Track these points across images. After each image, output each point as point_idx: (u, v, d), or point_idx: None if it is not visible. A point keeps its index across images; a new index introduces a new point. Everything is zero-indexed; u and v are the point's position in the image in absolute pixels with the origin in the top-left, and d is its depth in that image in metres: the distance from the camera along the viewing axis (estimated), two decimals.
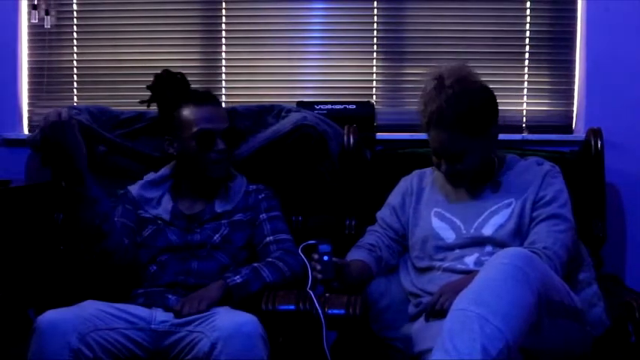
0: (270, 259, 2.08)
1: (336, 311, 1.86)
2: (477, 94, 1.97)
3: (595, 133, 2.37)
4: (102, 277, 2.11)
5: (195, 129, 2.09)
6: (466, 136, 1.93)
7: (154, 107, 2.30)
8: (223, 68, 2.90)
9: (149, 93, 2.27)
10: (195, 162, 2.12)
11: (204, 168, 2.11)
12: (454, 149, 1.95)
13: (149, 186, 2.20)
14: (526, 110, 2.82)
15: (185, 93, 2.19)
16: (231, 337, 1.76)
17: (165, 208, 2.15)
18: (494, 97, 2.02)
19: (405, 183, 2.19)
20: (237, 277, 1.99)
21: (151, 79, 2.25)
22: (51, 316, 1.80)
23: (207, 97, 2.17)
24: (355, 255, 2.09)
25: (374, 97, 2.87)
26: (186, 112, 2.11)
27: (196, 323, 1.87)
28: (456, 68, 1.98)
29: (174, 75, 2.25)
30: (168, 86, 2.23)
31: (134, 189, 2.20)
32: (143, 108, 2.61)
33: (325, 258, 1.90)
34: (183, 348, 1.87)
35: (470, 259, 1.96)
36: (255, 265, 2.05)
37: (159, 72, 2.27)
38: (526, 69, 2.83)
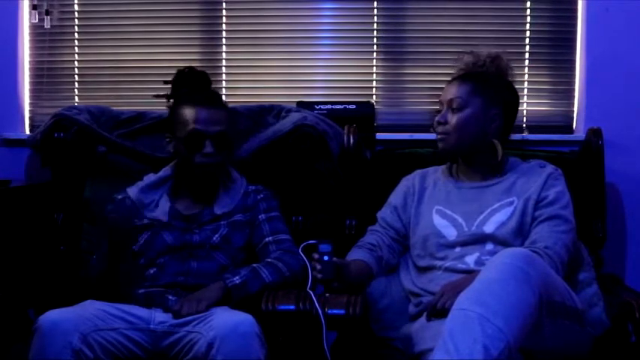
0: (269, 260, 2.08)
1: (336, 311, 1.86)
2: (502, 76, 2.12)
3: (595, 133, 2.37)
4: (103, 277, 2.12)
5: (187, 129, 2.07)
6: (474, 93, 2.03)
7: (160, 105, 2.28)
8: (223, 68, 2.90)
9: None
10: (185, 162, 2.11)
11: (191, 169, 2.10)
12: (459, 94, 2.03)
13: (147, 189, 2.18)
14: (526, 110, 2.82)
15: (189, 92, 2.17)
16: (228, 337, 1.76)
17: (162, 209, 2.14)
18: (513, 93, 2.14)
19: (407, 182, 2.19)
20: (236, 277, 1.99)
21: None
22: (52, 316, 1.80)
23: (208, 99, 2.12)
24: (356, 255, 2.09)
25: (374, 97, 2.87)
26: (184, 112, 2.09)
27: (194, 323, 1.87)
28: (498, 53, 2.17)
29: (197, 72, 2.22)
30: (187, 83, 2.20)
31: (133, 193, 2.18)
32: (143, 108, 2.62)
33: (325, 258, 1.90)
34: (182, 348, 1.87)
35: (471, 259, 1.96)
36: (255, 265, 2.05)
37: (181, 69, 2.23)
38: (526, 69, 2.82)
